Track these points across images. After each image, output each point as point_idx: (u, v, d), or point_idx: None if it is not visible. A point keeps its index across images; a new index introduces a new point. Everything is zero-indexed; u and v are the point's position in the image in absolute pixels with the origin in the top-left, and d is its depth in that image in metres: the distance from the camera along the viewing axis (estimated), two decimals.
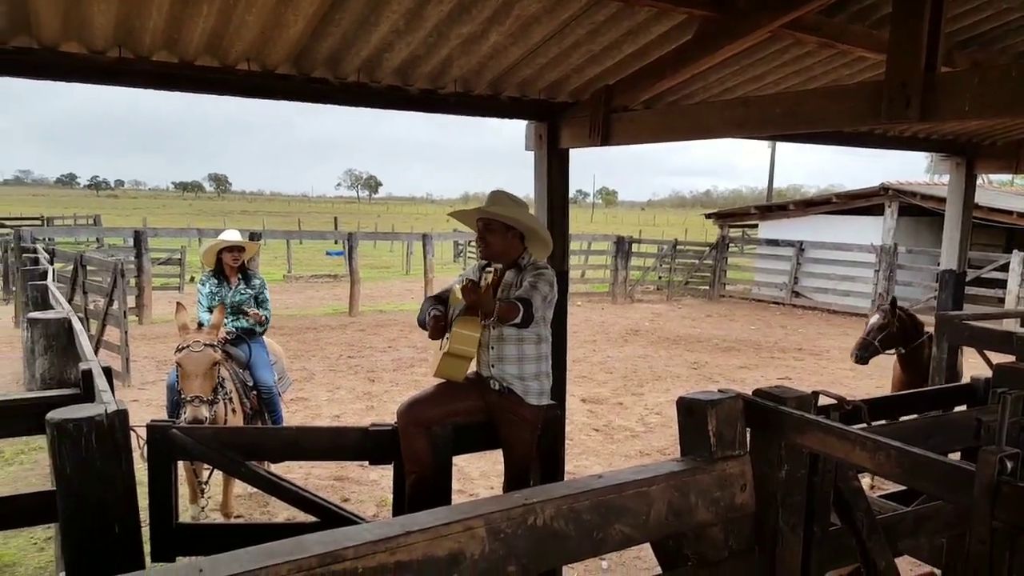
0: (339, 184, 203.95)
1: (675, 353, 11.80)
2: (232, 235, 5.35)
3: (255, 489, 5.32)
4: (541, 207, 4.21)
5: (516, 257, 3.22)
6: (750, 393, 2.49)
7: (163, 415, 4.85)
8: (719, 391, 2.44)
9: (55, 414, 2.12)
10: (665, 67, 3.42)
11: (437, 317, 3.18)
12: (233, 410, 4.58)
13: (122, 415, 2.19)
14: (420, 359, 10.71)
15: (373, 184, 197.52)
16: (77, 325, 3.78)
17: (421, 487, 2.94)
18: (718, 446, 2.25)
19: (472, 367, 3.19)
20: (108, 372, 2.89)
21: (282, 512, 5.14)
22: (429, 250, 15.66)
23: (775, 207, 18.89)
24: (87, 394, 2.68)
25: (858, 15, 3.55)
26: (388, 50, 3.42)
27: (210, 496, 4.61)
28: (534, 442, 3.16)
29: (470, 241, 28.40)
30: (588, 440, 7.28)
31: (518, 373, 3.12)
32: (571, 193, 4.50)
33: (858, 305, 15.36)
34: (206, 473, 4.53)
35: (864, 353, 5.73)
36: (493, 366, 3.14)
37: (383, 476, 5.94)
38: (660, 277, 19.26)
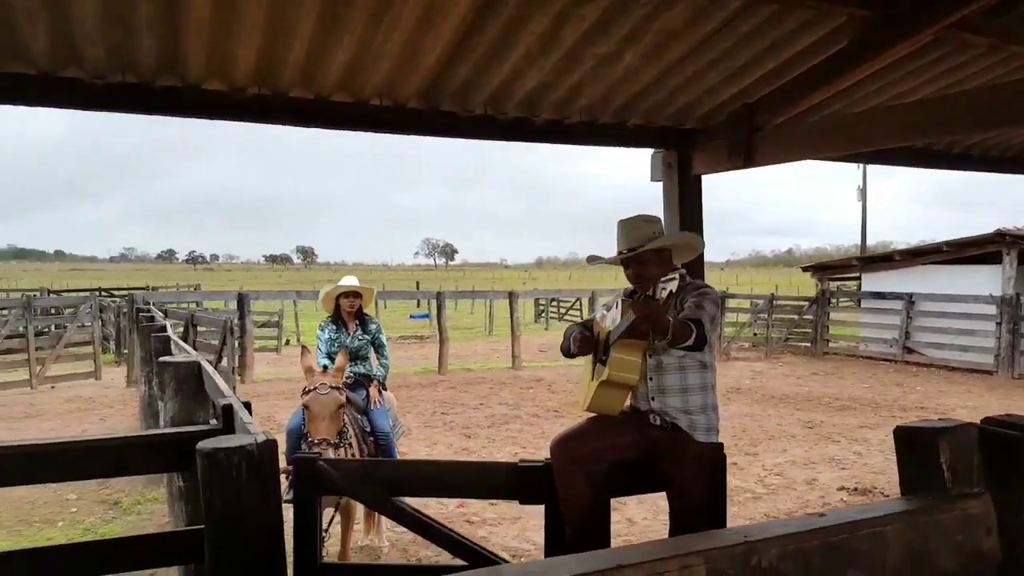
0: (417, 252, 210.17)
1: (784, 412, 11.13)
2: (351, 281, 5.37)
3: (365, 542, 5.21)
4: None
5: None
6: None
7: (281, 461, 4.81)
8: (939, 419, 2.11)
9: (206, 444, 2.08)
10: (816, 79, 3.20)
11: (586, 335, 2.93)
12: (352, 455, 4.51)
13: (272, 445, 2.13)
14: (513, 415, 10.51)
15: (449, 252, 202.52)
16: (208, 368, 3.78)
17: (581, 530, 2.66)
18: (954, 482, 1.91)
19: (627, 401, 2.93)
20: (248, 407, 2.83)
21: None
22: (515, 307, 15.56)
23: (878, 258, 17.94)
24: (227, 428, 2.63)
25: (1021, 17, 3.25)
26: (518, 78, 3.36)
27: (327, 551, 4.45)
28: (706, 483, 2.82)
29: (551, 300, 28.45)
30: None
31: (683, 406, 2.82)
32: None
33: (980, 361, 14.19)
34: (326, 521, 4.43)
35: None
36: (653, 399, 2.85)
37: (492, 533, 5.67)
38: (756, 334, 18.48)
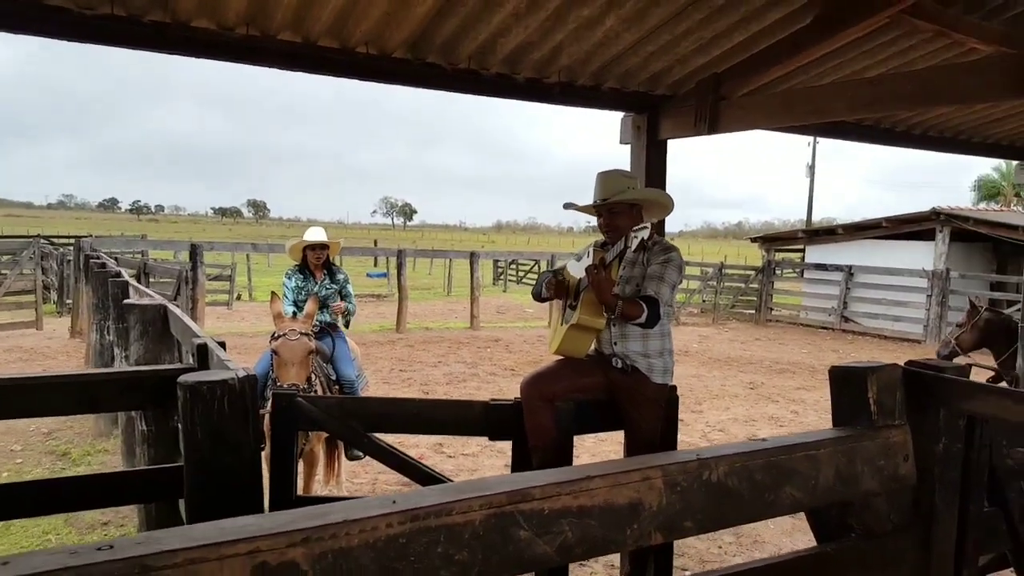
0: (375, 211, 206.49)
1: (729, 374, 11.62)
2: (317, 234, 5.37)
3: (326, 491, 5.32)
4: None
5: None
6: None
7: None
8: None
9: (187, 377, 2.09)
10: (780, 53, 3.42)
11: (558, 280, 3.10)
12: None
13: (252, 380, 2.18)
14: (471, 374, 10.70)
15: (408, 211, 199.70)
16: (174, 309, 3.78)
17: (547, 462, 2.88)
18: (879, 415, 2.18)
19: (592, 345, 3.15)
20: (223, 345, 2.89)
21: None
22: (475, 268, 15.70)
23: (823, 231, 18.64)
24: (202, 368, 2.65)
25: (971, 6, 3.52)
26: (503, 35, 3.47)
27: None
28: (659, 422, 3.08)
29: (511, 262, 28.63)
30: None
31: (642, 350, 3.04)
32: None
33: (910, 331, 15.04)
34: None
35: (944, 351, 5.67)
36: (616, 343, 3.06)
37: (475, 475, 5.86)
38: (704, 300, 19.07)
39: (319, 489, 5.30)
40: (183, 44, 3.22)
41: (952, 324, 14.46)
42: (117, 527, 4.56)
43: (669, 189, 3.95)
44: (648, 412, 3.04)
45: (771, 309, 18.20)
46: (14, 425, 6.58)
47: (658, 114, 4.10)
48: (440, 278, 26.07)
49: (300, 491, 4.70)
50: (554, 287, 3.10)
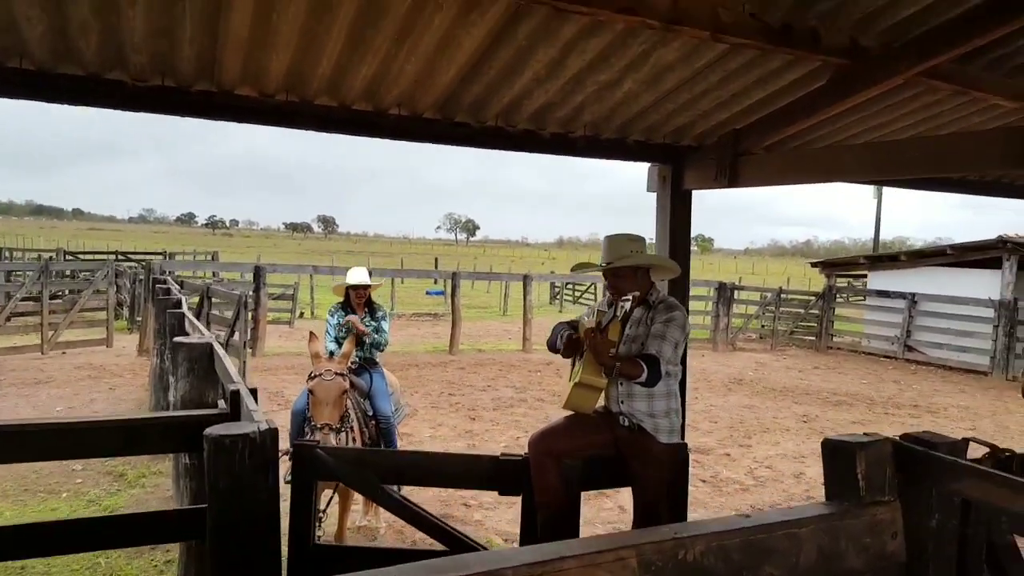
0: (439, 227, 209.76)
1: (782, 405, 11.40)
2: (360, 276, 5.60)
3: (363, 523, 5.50)
4: (663, 246, 4.29)
5: (645, 294, 3.27)
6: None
7: (284, 441, 5.01)
8: (865, 434, 2.39)
9: (213, 430, 2.25)
10: (796, 112, 3.47)
11: (572, 337, 3.20)
12: (354, 439, 4.72)
13: (273, 433, 2.31)
14: (519, 399, 10.78)
15: (471, 227, 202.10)
16: (219, 350, 4.01)
17: (552, 520, 2.97)
18: (867, 491, 2.20)
19: (601, 401, 3.24)
20: (254, 393, 3.07)
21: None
22: (529, 291, 15.83)
23: (885, 257, 18.08)
24: (234, 413, 2.84)
25: (993, 64, 3.49)
26: (527, 97, 3.63)
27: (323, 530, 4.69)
28: (664, 481, 3.14)
29: (567, 284, 28.67)
30: (695, 491, 7.07)
31: (648, 410, 3.11)
32: None
33: (976, 362, 14.44)
34: (324, 501, 4.67)
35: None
36: (622, 402, 3.15)
37: (487, 517, 5.96)
38: (763, 326, 18.69)
39: (358, 520, 5.48)
40: (228, 111, 3.47)
41: (1021, 354, 13.91)
42: (163, 551, 4.80)
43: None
44: (654, 471, 3.09)
45: (832, 336, 17.73)
46: None
47: (683, 165, 4.19)
48: (497, 296, 26.32)
49: (335, 525, 4.91)
50: (565, 345, 3.21)
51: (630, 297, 2.92)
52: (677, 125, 4.01)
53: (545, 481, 3.02)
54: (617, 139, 4.15)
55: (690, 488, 7.06)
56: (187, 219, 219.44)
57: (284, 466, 3.17)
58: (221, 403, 3.38)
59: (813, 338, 17.77)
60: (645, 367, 2.95)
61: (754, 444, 8.96)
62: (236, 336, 9.93)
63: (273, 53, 3.14)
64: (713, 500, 6.83)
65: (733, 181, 3.72)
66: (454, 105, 3.68)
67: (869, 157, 3.09)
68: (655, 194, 4.38)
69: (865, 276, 18.45)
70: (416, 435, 8.50)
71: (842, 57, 3.15)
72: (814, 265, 19.46)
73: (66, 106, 3.38)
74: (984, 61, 3.34)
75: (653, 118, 3.92)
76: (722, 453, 8.49)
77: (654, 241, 4.39)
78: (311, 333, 4.87)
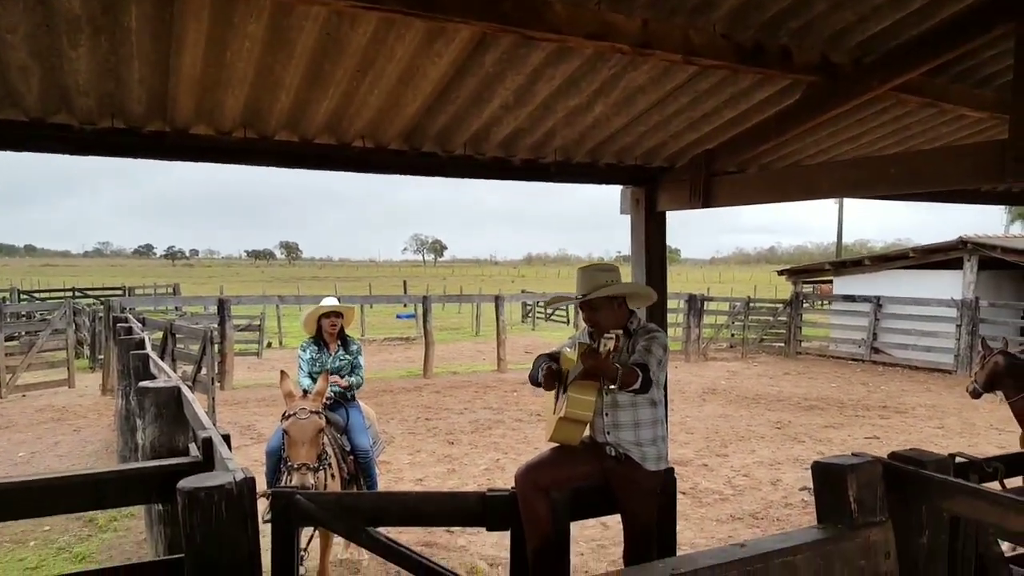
0: (405, 249, 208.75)
1: (756, 412, 11.47)
2: (331, 301, 5.50)
3: (345, 555, 5.36)
4: (639, 268, 4.25)
5: (624, 323, 3.23)
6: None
7: (260, 479, 4.87)
8: (853, 454, 2.38)
9: (186, 483, 2.16)
10: (769, 130, 3.46)
11: (552, 369, 3.17)
12: (332, 476, 4.61)
13: (251, 483, 2.23)
14: (497, 420, 10.68)
15: (438, 248, 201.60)
16: (187, 393, 3.87)
17: (543, 553, 2.90)
18: (859, 513, 2.18)
19: (586, 432, 3.17)
20: (227, 440, 2.95)
21: None
22: (501, 311, 15.76)
23: (850, 263, 18.41)
24: (207, 462, 2.74)
25: (961, 75, 3.54)
26: (495, 124, 3.56)
27: (305, 567, 4.58)
28: (655, 508, 3.10)
29: (538, 302, 28.68)
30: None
31: (635, 439, 3.08)
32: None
33: (941, 361, 14.76)
34: (305, 540, 4.54)
35: (969, 388, 5.79)
36: (608, 433, 3.11)
37: (471, 542, 5.86)
38: (733, 335, 18.88)
39: (340, 553, 5.36)
40: (183, 151, 3.34)
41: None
42: None
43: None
44: (643, 500, 3.07)
45: (800, 341, 17.97)
46: None
47: (656, 187, 4.16)
48: (469, 317, 26.20)
49: (317, 559, 4.77)
50: (546, 378, 3.16)
51: (613, 336, 2.90)
52: (649, 147, 3.98)
53: (534, 514, 2.98)
54: (589, 163, 4.10)
55: None
56: (145, 251, 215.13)
57: (262, 505, 3.05)
58: (193, 447, 3.29)
59: (782, 344, 17.98)
60: (640, 373, 2.95)
61: (730, 453, 8.99)
62: (203, 371, 9.73)
63: (228, 90, 3.03)
64: (694, 512, 6.80)
65: (707, 201, 3.71)
66: (420, 135, 3.59)
67: (844, 174, 3.10)
68: (628, 216, 4.35)
69: (831, 281, 18.78)
70: (395, 463, 8.36)
71: (814, 74, 3.14)
72: (780, 273, 19.74)
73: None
74: (952, 73, 3.37)
75: (625, 141, 3.88)
76: (700, 464, 8.48)
77: (631, 262, 4.36)
78: (282, 372, 4.73)
